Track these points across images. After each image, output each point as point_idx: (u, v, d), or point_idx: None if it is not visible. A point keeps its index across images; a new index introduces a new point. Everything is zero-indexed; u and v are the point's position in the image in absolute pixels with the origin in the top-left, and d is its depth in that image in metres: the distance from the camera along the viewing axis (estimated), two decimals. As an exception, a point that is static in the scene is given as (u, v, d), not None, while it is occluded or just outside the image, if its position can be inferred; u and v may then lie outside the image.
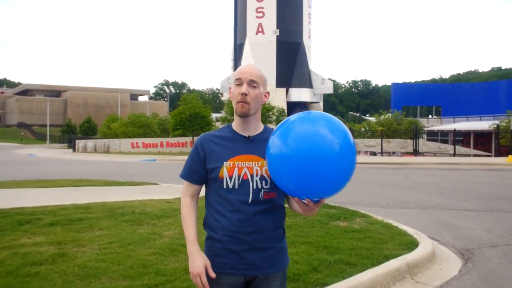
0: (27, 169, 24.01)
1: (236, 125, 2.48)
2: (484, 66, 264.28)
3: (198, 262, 2.31)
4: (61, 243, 6.06)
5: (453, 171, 20.50)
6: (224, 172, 2.37)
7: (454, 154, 32.43)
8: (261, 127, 2.49)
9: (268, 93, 2.51)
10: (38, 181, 14.74)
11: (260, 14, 54.62)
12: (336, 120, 2.13)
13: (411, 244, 6.19)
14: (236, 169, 2.37)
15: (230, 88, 2.47)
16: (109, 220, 7.56)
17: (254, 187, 2.37)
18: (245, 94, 2.34)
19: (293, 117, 2.18)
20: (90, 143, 50.09)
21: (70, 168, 25.12)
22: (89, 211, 8.44)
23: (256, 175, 2.37)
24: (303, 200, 2.15)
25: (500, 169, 22.14)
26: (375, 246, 6.00)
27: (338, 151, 2.01)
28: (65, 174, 19.24)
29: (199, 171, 2.45)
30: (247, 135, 2.43)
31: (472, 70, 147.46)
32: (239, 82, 2.38)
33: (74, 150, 50.87)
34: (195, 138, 40.43)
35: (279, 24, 54.17)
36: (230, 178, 2.37)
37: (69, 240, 6.18)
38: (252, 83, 2.36)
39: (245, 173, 2.37)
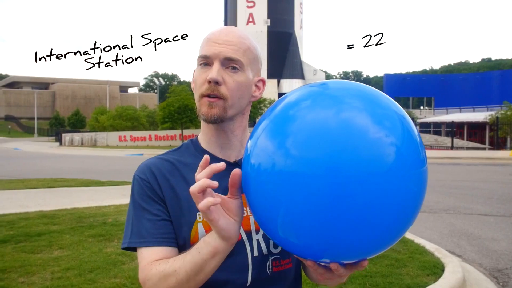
0: (6, 165, 22.71)
1: (207, 139, 1.34)
2: (474, 57, 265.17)
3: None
4: (6, 270, 4.90)
5: (455, 166, 19.48)
6: (200, 232, 1.24)
7: (452, 147, 31.49)
8: None
9: (263, 81, 1.35)
10: (9, 182, 13.50)
11: (251, 4, 53.52)
12: (381, 95, 1.03)
13: (435, 268, 5.09)
14: None
15: (194, 72, 1.32)
16: (73, 235, 6.41)
17: (255, 253, 1.26)
18: (216, 83, 1.21)
19: (296, 93, 1.05)
20: (76, 136, 48.63)
21: (52, 164, 23.81)
22: (54, 222, 7.28)
23: (257, 231, 1.27)
24: (324, 264, 1.04)
25: (505, 164, 21.06)
26: (393, 271, 4.90)
27: (394, 161, 0.92)
28: (45, 171, 18.01)
29: (170, 220, 1.26)
30: (230, 159, 1.31)
31: (463, 61, 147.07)
32: (206, 60, 1.24)
33: (60, 143, 49.40)
34: (184, 132, 39.43)
35: (270, 14, 53.13)
36: None
37: (17, 266, 5.01)
38: (229, 62, 1.22)
39: None
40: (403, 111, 1.02)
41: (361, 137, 0.91)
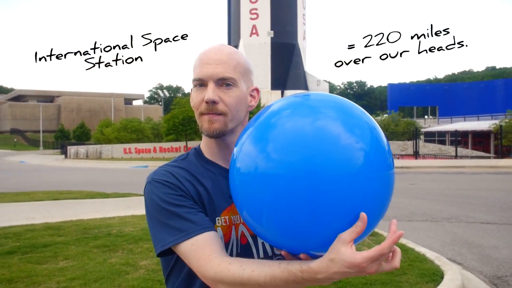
0: (12, 178, 22.87)
1: (210, 150, 1.43)
2: (478, 66, 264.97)
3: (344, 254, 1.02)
4: (12, 280, 5.00)
5: (459, 175, 19.49)
6: (219, 236, 1.31)
7: (456, 156, 31.46)
8: None
9: (257, 90, 1.45)
10: (15, 194, 13.64)
11: (254, 16, 53.77)
12: (355, 107, 1.15)
13: (434, 275, 5.16)
14: (233, 229, 1.34)
15: (191, 90, 1.42)
16: (78, 246, 6.51)
17: (261, 255, 1.37)
18: (214, 102, 1.31)
19: (279, 103, 1.18)
20: (82, 149, 48.85)
21: (58, 176, 23.97)
22: (60, 233, 7.38)
23: None
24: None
25: (509, 172, 20.92)
26: (393, 279, 4.96)
27: (363, 164, 1.04)
28: (50, 184, 18.15)
29: (205, 212, 1.31)
30: None
31: (467, 70, 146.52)
32: (200, 81, 1.34)
33: (66, 156, 49.61)
34: (189, 143, 39.56)
35: (274, 26, 53.35)
36: (227, 245, 1.32)
37: (23, 276, 5.12)
38: (223, 81, 1.32)
39: (243, 234, 1.36)
40: (374, 122, 1.14)
41: (333, 143, 1.04)
